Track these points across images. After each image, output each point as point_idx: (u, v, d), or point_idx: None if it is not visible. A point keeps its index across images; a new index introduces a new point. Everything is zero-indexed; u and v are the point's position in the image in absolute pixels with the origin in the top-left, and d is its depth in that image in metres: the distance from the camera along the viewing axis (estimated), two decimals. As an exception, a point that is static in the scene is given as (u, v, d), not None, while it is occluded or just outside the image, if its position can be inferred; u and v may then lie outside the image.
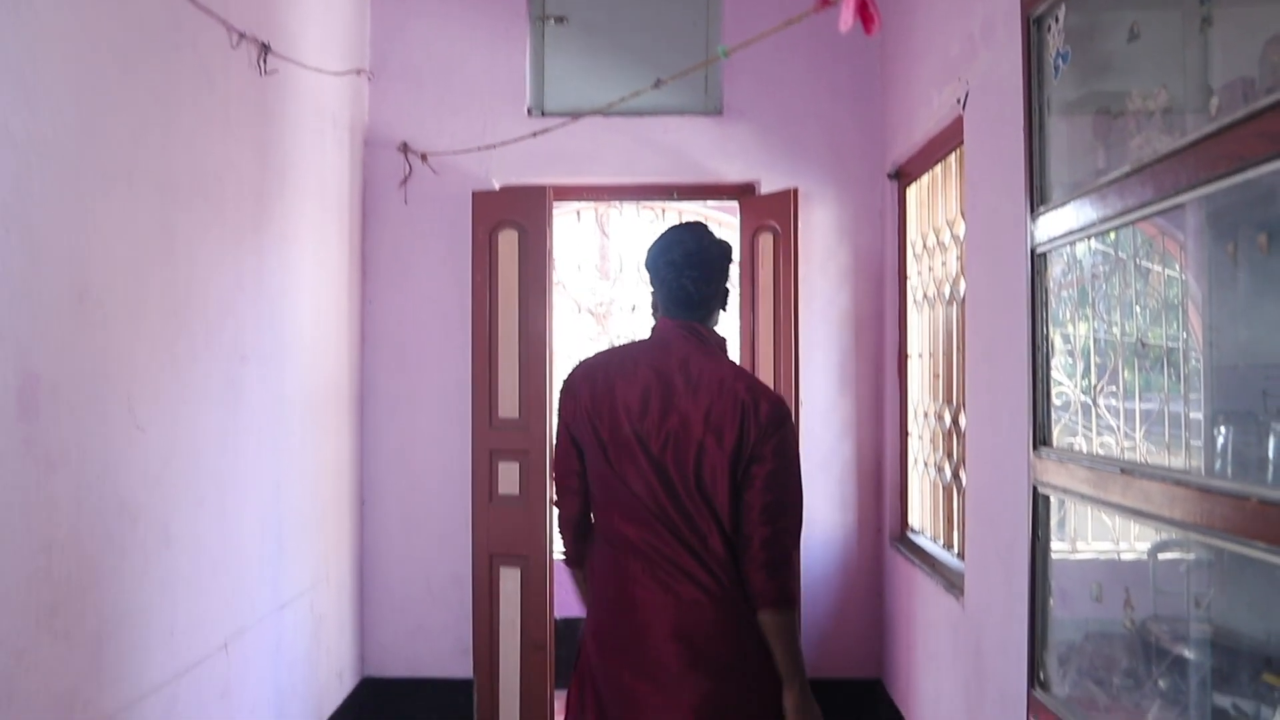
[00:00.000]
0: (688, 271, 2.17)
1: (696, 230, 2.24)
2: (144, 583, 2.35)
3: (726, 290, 2.27)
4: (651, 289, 2.29)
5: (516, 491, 4.00)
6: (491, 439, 4.03)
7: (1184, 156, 1.56)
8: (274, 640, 3.18)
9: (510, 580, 4.01)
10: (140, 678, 2.34)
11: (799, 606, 2.54)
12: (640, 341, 2.27)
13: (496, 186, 4.20)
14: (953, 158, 3.42)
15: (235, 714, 2.87)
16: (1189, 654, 1.76)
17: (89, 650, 2.11)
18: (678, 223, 2.32)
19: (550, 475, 3.91)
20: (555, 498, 2.33)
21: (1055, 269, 2.19)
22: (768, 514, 2.03)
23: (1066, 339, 2.21)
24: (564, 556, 2.38)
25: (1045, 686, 2.20)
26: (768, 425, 2.04)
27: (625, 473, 2.10)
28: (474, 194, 4.06)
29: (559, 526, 2.33)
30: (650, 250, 2.27)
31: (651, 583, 2.08)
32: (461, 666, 4.16)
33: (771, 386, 3.96)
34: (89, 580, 2.11)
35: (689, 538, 2.06)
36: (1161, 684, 1.85)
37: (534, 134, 4.04)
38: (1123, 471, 1.79)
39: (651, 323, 2.28)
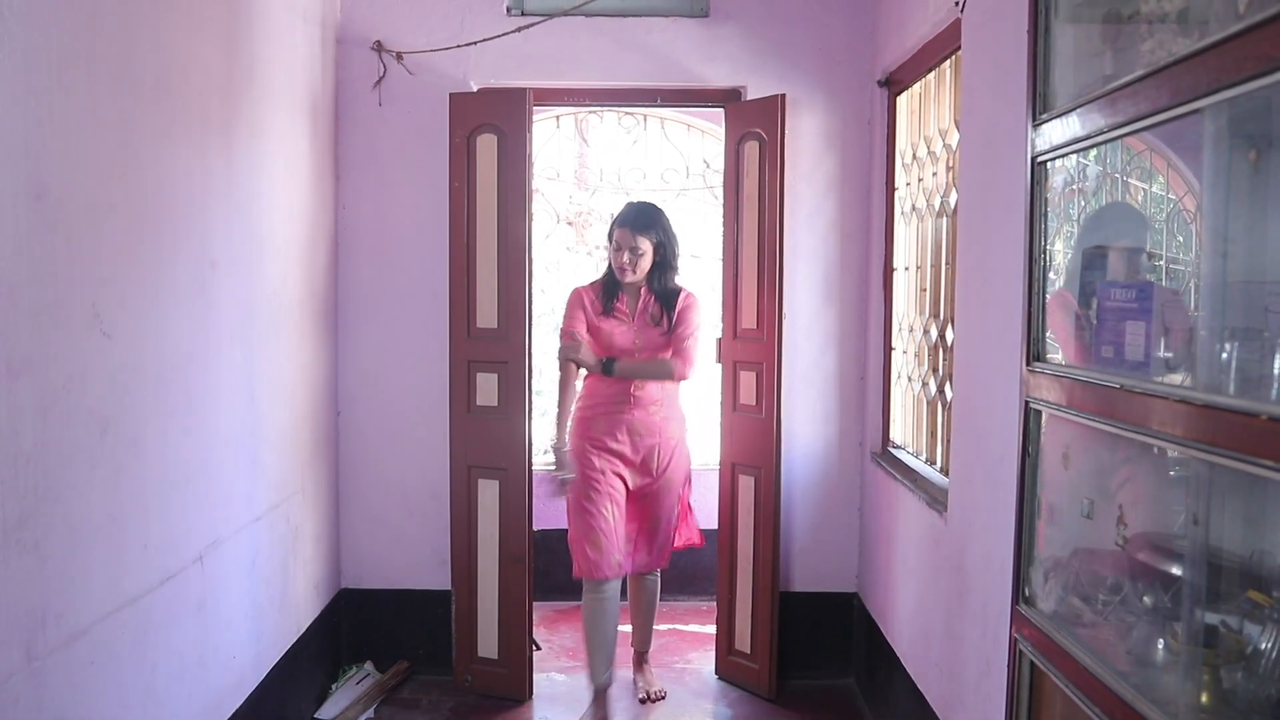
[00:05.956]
0: None
1: None
2: (115, 495, 2.29)
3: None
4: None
5: (495, 402, 3.93)
6: (469, 349, 3.94)
7: (1206, 58, 1.47)
8: (250, 553, 3.14)
9: (489, 492, 3.97)
10: (114, 591, 2.29)
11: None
12: None
13: (474, 88, 4.06)
14: (947, 65, 3.31)
15: (211, 626, 2.84)
16: (1175, 570, 1.74)
17: (60, 563, 2.05)
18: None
19: (525, 387, 3.86)
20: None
21: (1057, 180, 2.12)
22: None
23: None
24: None
25: (1030, 602, 2.19)
26: None
27: None
28: (451, 96, 3.91)
29: None
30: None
31: None
32: (439, 578, 4.15)
33: (755, 299, 3.93)
34: (57, 492, 2.04)
35: None
36: (1147, 600, 1.84)
37: (518, 29, 3.89)
38: (1122, 388, 1.75)
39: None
